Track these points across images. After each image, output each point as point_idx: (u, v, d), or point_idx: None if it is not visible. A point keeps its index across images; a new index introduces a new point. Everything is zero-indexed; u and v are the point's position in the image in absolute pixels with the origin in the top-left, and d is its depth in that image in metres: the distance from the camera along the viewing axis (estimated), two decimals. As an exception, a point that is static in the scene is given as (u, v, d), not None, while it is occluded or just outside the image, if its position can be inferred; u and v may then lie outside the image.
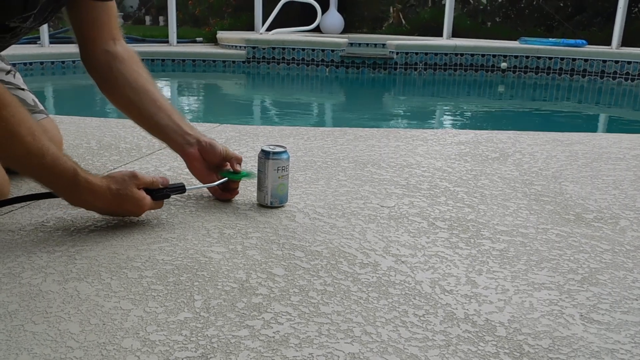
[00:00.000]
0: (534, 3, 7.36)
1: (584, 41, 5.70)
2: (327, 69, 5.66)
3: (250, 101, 4.52)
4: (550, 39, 5.91)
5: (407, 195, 1.25)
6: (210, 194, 1.21)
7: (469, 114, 4.31)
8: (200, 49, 5.99)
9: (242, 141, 1.71)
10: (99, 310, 0.74)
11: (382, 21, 8.36)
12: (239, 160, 1.17)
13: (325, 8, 7.10)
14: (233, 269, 0.86)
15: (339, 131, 1.95)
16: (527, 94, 5.18)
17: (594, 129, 3.72)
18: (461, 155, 1.64)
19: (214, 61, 5.71)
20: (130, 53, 1.19)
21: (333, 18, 7.36)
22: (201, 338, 0.69)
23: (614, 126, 3.89)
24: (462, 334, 0.72)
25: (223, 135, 1.76)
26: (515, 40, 6.19)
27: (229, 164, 1.17)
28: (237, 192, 1.19)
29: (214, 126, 1.90)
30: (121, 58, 1.16)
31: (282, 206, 1.15)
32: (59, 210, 1.09)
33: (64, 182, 0.93)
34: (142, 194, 1.00)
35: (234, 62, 5.72)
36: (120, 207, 0.99)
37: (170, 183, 1.06)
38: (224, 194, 1.18)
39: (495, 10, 7.66)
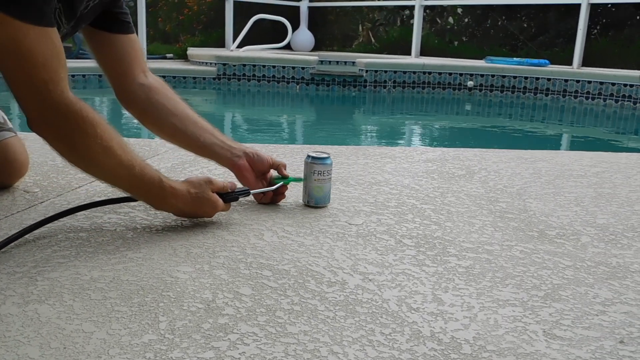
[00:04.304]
0: (499, 23, 7.55)
1: (547, 61, 5.87)
2: (298, 86, 5.68)
3: (220, 118, 4.50)
4: (514, 59, 6.07)
5: (375, 212, 1.26)
6: (255, 200, 1.29)
7: (437, 131, 4.37)
8: (170, 65, 5.96)
9: (211, 158, 1.69)
10: (60, 334, 0.72)
11: (352, 39, 8.46)
12: (284, 166, 1.27)
13: (296, 26, 7.15)
14: (199, 289, 0.85)
15: (308, 148, 1.95)
16: (493, 112, 5.29)
17: (556, 147, 3.81)
18: (428, 172, 1.66)
19: (184, 77, 5.69)
20: (160, 81, 1.24)
21: (304, 36, 7.41)
22: (165, 361, 0.67)
23: (575, 144, 3.99)
24: (428, 352, 0.72)
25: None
26: (481, 59, 6.33)
27: (272, 170, 1.26)
28: (285, 197, 1.29)
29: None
30: (156, 89, 1.21)
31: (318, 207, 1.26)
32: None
33: (153, 190, 1.02)
34: (217, 197, 1.10)
35: (204, 78, 5.71)
36: (199, 209, 1.09)
37: (236, 188, 1.15)
38: (271, 197, 1.27)
39: (462, 30, 7.83)
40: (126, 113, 1.24)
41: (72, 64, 5.21)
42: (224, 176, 1.46)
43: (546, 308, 0.85)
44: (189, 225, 1.12)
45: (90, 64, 5.40)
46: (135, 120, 1.24)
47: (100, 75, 5.27)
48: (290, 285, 0.88)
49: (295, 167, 1.65)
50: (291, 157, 1.78)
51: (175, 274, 0.90)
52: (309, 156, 1.25)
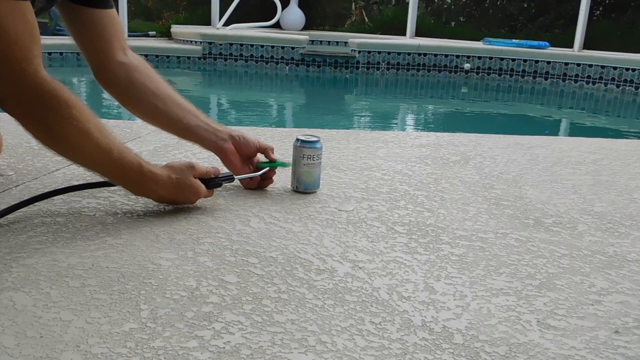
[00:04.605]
0: (498, 3, 7.54)
1: (547, 43, 5.88)
2: (287, 67, 5.66)
3: (205, 100, 4.48)
4: (513, 40, 6.07)
5: (366, 199, 1.26)
6: (242, 185, 1.29)
7: (431, 115, 4.38)
8: (153, 43, 5.90)
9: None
10: (36, 322, 0.72)
11: (345, 18, 8.42)
12: (272, 150, 1.26)
13: (285, 3, 7.10)
14: (183, 277, 0.85)
15: (297, 132, 1.95)
16: (490, 96, 5.31)
17: (555, 132, 3.84)
18: (422, 158, 1.67)
19: (168, 57, 5.64)
20: (140, 60, 1.22)
21: (294, 14, 7.36)
22: (147, 350, 0.68)
23: (574, 130, 4.02)
24: (419, 342, 0.73)
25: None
26: (478, 40, 6.33)
27: (260, 154, 1.26)
28: (273, 181, 1.29)
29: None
30: (136, 67, 1.20)
31: (307, 192, 1.27)
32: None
33: (131, 175, 1.01)
34: (199, 182, 1.10)
35: (189, 58, 5.66)
36: (180, 195, 1.10)
37: (220, 173, 1.16)
38: (258, 182, 1.27)
39: (459, 10, 7.81)
40: (106, 93, 1.23)
41: (49, 40, 5.16)
42: (208, 160, 1.45)
43: (540, 297, 0.86)
44: (172, 210, 1.12)
45: (68, 40, 5.34)
46: (116, 101, 1.23)
47: (79, 53, 5.23)
48: (277, 272, 0.88)
49: (283, 151, 1.65)
50: (279, 141, 1.78)
51: (158, 260, 0.90)
52: (297, 139, 1.25)
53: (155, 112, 1.20)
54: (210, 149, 1.23)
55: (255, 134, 1.86)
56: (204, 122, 1.22)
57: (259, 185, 1.28)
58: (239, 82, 5.40)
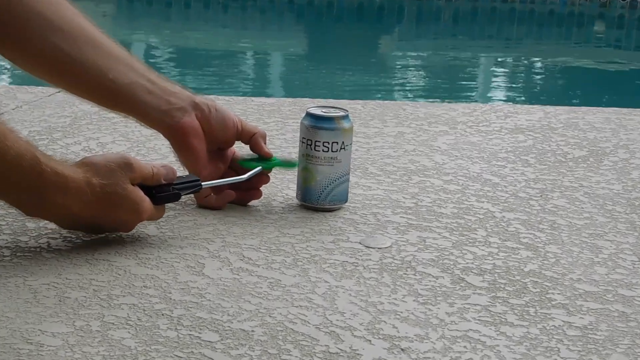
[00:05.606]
0: None
1: None
2: (273, -13, 5.70)
3: (124, 46, 4.52)
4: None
5: (415, 226, 1.27)
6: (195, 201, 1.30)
7: (536, 75, 4.39)
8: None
9: (102, 121, 1.70)
10: None
11: None
12: (264, 137, 1.29)
13: None
14: (83, 365, 0.87)
15: (292, 104, 1.97)
16: (645, 39, 5.30)
17: None
18: (517, 152, 1.68)
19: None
20: None
21: None
22: None
23: None
24: None
25: (68, 111, 1.75)
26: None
27: (237, 144, 1.28)
28: (261, 193, 1.31)
29: (52, 91, 1.89)
30: None
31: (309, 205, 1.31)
32: None
33: (22, 178, 1.01)
34: (141, 193, 1.09)
35: (93, -30, 5.71)
36: (107, 214, 1.09)
37: (178, 176, 1.16)
38: (242, 195, 1.29)
39: None
40: None
41: None
42: (145, 154, 1.47)
43: None
44: (65, 247, 1.13)
45: None
46: None
47: None
48: (254, 358, 0.90)
49: (269, 139, 1.66)
50: (260, 121, 1.79)
51: (38, 337, 0.91)
52: (306, 114, 1.28)
53: (58, 58, 1.19)
54: (154, 126, 1.24)
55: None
56: (146, 77, 1.21)
57: (239, 199, 1.28)
58: (184, 15, 5.44)
